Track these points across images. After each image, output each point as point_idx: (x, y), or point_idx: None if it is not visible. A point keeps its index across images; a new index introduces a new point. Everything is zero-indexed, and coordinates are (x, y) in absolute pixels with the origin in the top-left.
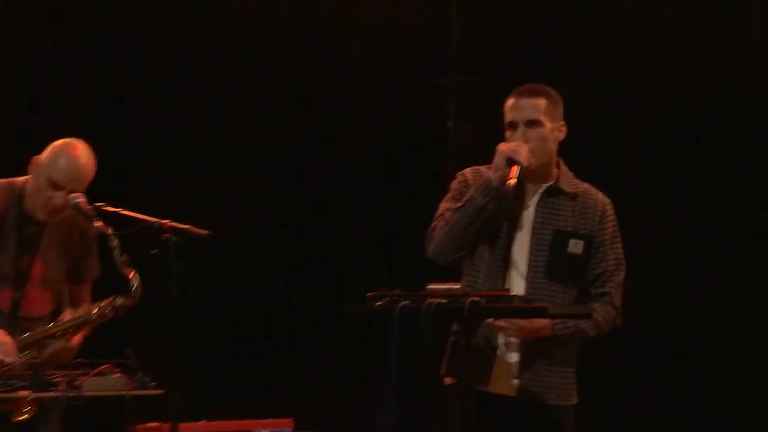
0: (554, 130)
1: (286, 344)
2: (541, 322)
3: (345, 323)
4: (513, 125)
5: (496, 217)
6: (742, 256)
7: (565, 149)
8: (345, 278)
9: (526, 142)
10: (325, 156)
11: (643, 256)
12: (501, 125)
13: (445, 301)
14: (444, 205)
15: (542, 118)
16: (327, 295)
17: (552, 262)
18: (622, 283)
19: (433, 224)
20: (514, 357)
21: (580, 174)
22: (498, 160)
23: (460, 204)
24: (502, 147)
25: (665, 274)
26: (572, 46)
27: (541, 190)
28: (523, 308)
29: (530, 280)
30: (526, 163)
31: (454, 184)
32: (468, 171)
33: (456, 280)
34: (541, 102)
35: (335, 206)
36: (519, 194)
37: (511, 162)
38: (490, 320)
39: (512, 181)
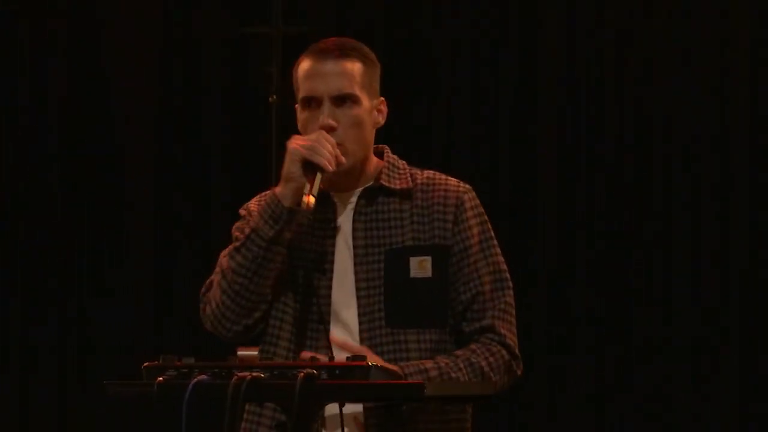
0: (372, 110)
1: None
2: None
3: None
4: (313, 102)
5: (290, 248)
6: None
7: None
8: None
9: (334, 127)
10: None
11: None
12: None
13: (264, 375)
14: (223, 255)
15: (358, 92)
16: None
17: (390, 298)
18: (511, 308)
19: (209, 280)
20: None
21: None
22: (290, 165)
23: (239, 242)
24: (295, 144)
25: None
26: None
27: (354, 199)
28: (384, 386)
29: (365, 334)
30: (331, 169)
31: (237, 226)
32: (253, 202)
33: None
34: (356, 67)
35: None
36: (323, 211)
37: (310, 167)
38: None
39: (309, 200)
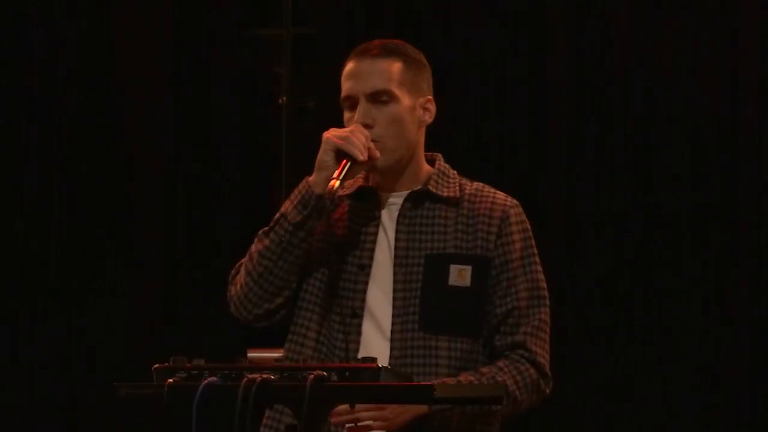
0: (415, 108)
1: None
2: None
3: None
4: (351, 101)
5: (329, 242)
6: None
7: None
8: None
9: (369, 125)
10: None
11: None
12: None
13: (274, 376)
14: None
15: (395, 90)
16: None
17: (427, 303)
18: (546, 326)
19: (239, 263)
20: None
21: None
22: (323, 154)
23: (269, 225)
24: (329, 134)
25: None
26: None
27: (400, 200)
28: (394, 388)
29: (396, 336)
30: (362, 158)
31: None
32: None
33: None
34: (395, 66)
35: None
36: (368, 208)
37: (342, 157)
38: (335, 418)
39: (334, 183)
